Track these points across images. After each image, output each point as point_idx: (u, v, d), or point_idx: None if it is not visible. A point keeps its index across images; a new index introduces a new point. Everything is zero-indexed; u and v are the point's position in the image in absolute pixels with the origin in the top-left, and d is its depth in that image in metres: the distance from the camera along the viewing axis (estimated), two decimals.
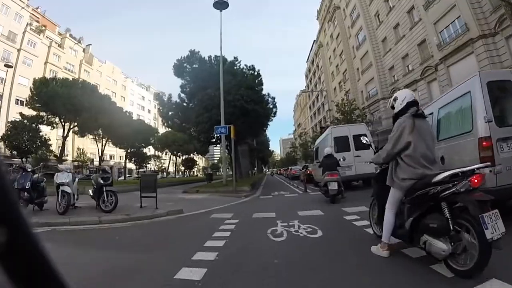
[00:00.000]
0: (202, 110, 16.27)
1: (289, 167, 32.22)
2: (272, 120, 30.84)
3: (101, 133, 39.21)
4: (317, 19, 56.39)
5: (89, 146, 48.76)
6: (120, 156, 59.53)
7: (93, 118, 31.27)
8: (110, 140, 41.72)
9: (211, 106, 15.39)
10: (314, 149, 14.40)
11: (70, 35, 52.80)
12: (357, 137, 10.84)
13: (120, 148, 45.56)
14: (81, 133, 37.28)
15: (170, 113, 24.81)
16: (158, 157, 62.34)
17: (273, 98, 30.49)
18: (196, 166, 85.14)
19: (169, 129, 69.09)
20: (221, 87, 13.63)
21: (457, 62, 19.37)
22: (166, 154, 67.52)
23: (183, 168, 77.52)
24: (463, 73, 18.39)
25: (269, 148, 76.61)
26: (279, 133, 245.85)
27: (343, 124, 14.51)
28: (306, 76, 72.12)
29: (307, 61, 71.10)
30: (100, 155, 41.98)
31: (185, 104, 23.17)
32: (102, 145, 41.60)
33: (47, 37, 45.98)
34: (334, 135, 10.92)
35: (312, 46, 62.77)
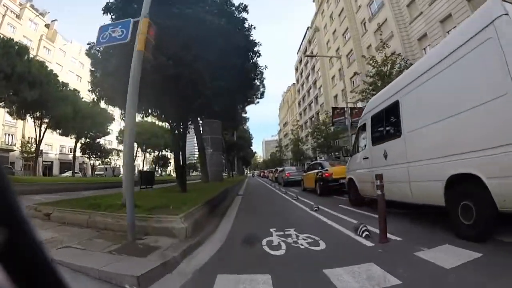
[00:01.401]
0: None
1: (280, 168, 23.74)
2: (258, 99, 22.48)
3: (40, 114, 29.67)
4: (313, 1, 49.14)
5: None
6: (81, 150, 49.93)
7: (14, 89, 22.34)
8: (51, 125, 31.84)
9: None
10: (367, 117, 5.89)
11: (32, 6, 43.40)
12: None
13: (61, 135, 35.57)
14: (12, 112, 28.06)
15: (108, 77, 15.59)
16: (120, 151, 52.27)
17: (261, 73, 22.21)
18: (170, 164, 75.69)
19: (139, 119, 59.92)
20: None
21: None
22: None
23: (154, 166, 67.69)
24: None
25: (251, 147, 67.97)
26: (261, 135, 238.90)
27: None
28: (296, 69, 64.58)
29: (297, 52, 63.60)
30: (37, 143, 32.03)
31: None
32: (40, 130, 31.72)
33: (3, 5, 37.43)
34: None
35: (305, 33, 55.22)
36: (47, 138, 44.83)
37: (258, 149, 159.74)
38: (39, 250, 0.40)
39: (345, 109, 16.09)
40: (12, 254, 0.37)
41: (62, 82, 29.90)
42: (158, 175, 66.91)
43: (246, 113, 27.39)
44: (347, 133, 27.98)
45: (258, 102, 22.70)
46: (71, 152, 50.83)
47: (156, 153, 61.97)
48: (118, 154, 53.28)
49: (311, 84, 50.47)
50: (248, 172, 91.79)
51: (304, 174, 12.60)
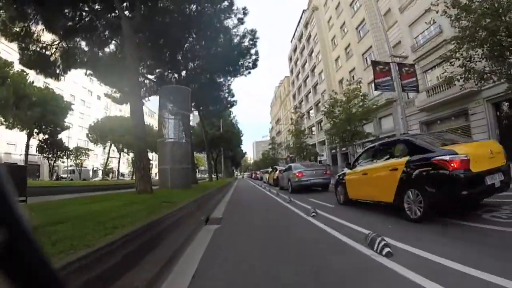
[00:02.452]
0: None
1: (281, 167, 17.08)
2: (250, 70, 16.24)
3: None
4: None
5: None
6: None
7: None
8: None
9: None
10: None
11: None
12: None
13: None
14: None
15: None
16: (86, 150, 44.60)
17: (253, 33, 15.89)
18: (151, 166, 68.04)
19: (107, 115, 52.12)
20: None
21: None
22: (104, 148, 50.29)
23: (132, 169, 60.00)
24: None
25: (241, 147, 61.17)
26: (251, 138, 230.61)
27: None
28: (290, 59, 58.49)
29: (291, 41, 57.58)
30: None
31: None
32: None
33: None
34: None
35: (301, 17, 49.21)
36: (10, 137, 37.09)
37: (249, 151, 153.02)
38: (38, 251, 0.40)
39: (391, 65, 9.78)
40: (12, 254, 0.36)
41: None
42: (130, 178, 59.54)
43: (233, 96, 20.86)
44: (386, 108, 20.37)
45: (249, 73, 16.33)
46: (38, 152, 43.23)
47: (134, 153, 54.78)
48: (86, 154, 45.65)
49: (308, 72, 44.36)
50: (238, 174, 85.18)
51: (350, 171, 6.09)
